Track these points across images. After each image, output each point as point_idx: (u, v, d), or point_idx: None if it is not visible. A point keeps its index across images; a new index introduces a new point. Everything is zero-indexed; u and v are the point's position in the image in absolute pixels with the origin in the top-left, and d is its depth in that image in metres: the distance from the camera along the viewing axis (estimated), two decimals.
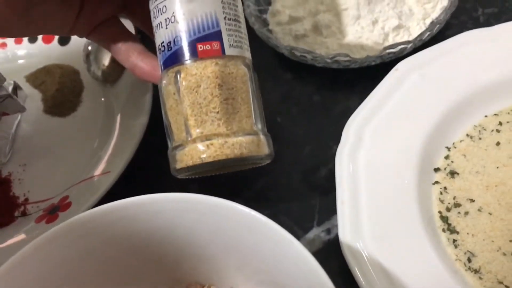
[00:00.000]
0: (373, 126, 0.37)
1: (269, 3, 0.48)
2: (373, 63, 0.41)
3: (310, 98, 0.43)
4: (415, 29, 0.42)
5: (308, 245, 0.35)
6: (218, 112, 0.30)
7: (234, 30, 0.30)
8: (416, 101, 0.38)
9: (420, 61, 0.39)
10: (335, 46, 0.43)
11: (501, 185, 0.33)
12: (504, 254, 0.30)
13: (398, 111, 0.37)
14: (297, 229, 0.35)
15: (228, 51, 0.30)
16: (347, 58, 0.40)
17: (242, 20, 0.31)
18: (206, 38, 0.30)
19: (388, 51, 0.40)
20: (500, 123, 0.36)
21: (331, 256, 0.33)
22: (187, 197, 0.28)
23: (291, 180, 0.38)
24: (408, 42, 0.40)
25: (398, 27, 0.42)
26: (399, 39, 0.42)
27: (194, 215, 0.28)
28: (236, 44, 0.30)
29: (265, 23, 0.47)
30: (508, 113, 0.37)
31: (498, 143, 0.35)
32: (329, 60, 0.41)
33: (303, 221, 0.36)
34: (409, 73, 0.39)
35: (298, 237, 0.35)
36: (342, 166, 0.35)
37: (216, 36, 0.30)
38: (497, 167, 0.34)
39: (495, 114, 0.37)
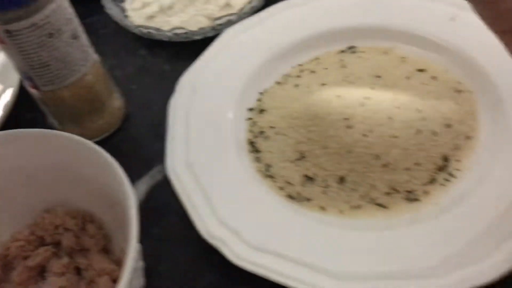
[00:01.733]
0: (202, 78, 0.46)
1: None
2: (208, 34, 0.50)
3: (161, 68, 0.52)
4: (243, 3, 0.52)
5: (151, 178, 0.43)
6: (54, 118, 0.45)
7: (43, 74, 0.40)
8: (238, 58, 0.47)
9: (243, 28, 0.49)
10: (178, 23, 0.52)
11: (293, 113, 0.42)
12: (291, 162, 0.39)
13: (223, 66, 0.46)
14: (142, 167, 0.43)
15: (42, 88, 0.41)
16: (184, 31, 0.49)
17: (58, 59, 0.39)
18: (26, 78, 0.41)
19: (216, 22, 0.49)
20: (301, 71, 0.46)
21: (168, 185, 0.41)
22: (19, 132, 0.35)
23: (141, 133, 0.47)
24: (232, 14, 0.49)
25: (227, 4, 0.52)
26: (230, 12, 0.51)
27: (32, 148, 0.35)
28: (48, 82, 0.40)
29: (123, 10, 0.55)
30: (308, 63, 0.47)
31: (296, 85, 0.45)
32: (169, 34, 0.49)
33: (148, 162, 0.44)
34: (235, 37, 0.48)
35: (142, 174, 0.43)
36: (175, 110, 0.43)
37: (30, 79, 0.41)
38: (292, 101, 0.43)
39: (299, 65, 0.47)
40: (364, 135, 0.38)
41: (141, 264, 0.31)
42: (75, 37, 0.40)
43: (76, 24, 0.40)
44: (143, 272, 0.32)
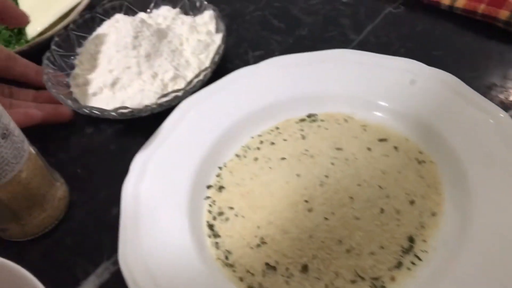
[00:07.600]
0: (156, 157, 0.46)
1: (73, 68, 0.57)
2: (155, 111, 0.50)
3: (107, 147, 0.52)
4: (191, 77, 0.52)
5: (98, 277, 0.42)
6: None
7: None
8: (194, 132, 0.47)
9: (197, 99, 0.49)
10: (123, 99, 0.52)
11: (250, 192, 0.42)
12: (251, 248, 0.39)
13: (179, 142, 0.47)
14: (88, 264, 0.42)
15: None
16: (129, 110, 0.49)
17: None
18: None
19: (163, 99, 0.50)
20: (261, 142, 0.47)
21: (120, 283, 0.40)
22: None
23: (86, 223, 0.46)
24: (179, 90, 0.50)
25: (175, 77, 0.52)
26: (177, 87, 0.52)
27: None
28: None
29: (67, 86, 0.55)
30: (269, 133, 0.47)
31: (256, 158, 0.45)
32: (114, 113, 0.49)
33: (94, 257, 0.43)
34: (188, 110, 0.49)
35: (88, 272, 0.42)
36: (126, 195, 0.43)
37: None
38: (251, 178, 0.43)
39: (258, 135, 0.47)
40: (326, 218, 0.38)
41: None
42: (4, 136, 0.39)
43: (6, 121, 0.39)
44: None
